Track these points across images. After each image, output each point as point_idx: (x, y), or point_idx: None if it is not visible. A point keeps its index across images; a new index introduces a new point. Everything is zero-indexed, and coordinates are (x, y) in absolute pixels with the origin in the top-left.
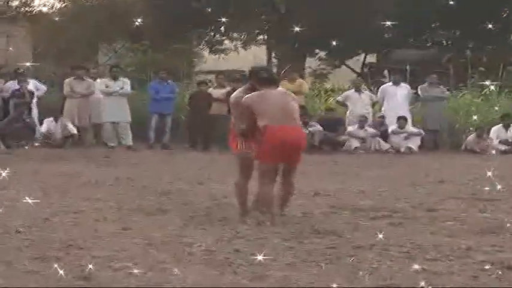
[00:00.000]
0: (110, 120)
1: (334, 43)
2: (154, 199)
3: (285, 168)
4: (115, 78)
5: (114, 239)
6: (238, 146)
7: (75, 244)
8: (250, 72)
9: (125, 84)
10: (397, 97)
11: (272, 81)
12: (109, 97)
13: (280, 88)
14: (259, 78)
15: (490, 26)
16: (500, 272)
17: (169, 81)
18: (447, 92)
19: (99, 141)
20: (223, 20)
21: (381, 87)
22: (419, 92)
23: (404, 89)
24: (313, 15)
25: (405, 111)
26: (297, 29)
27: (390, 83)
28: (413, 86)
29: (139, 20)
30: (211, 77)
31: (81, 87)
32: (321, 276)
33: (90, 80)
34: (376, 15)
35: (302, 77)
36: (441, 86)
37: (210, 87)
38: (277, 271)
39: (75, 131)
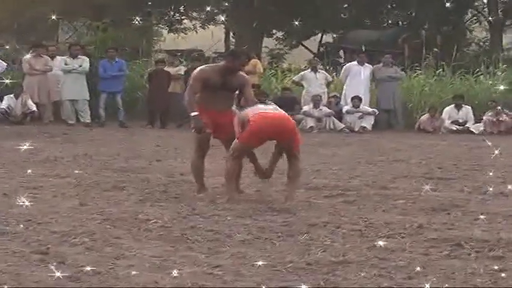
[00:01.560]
0: (69, 97)
1: (291, 23)
2: (112, 176)
3: (285, 149)
4: (74, 56)
5: (72, 214)
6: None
7: (34, 219)
8: (229, 53)
9: (83, 62)
10: (360, 76)
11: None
12: (68, 75)
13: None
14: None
15: (447, 4)
16: (450, 249)
17: (117, 59)
18: (401, 72)
19: (58, 118)
20: None
21: (345, 66)
22: (373, 73)
23: (367, 69)
24: None
25: (366, 91)
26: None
27: (355, 62)
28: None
29: None
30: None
31: (39, 64)
32: (275, 252)
33: (47, 57)
34: None
35: (259, 56)
36: (395, 67)
37: (176, 65)
38: (232, 247)
39: (34, 108)
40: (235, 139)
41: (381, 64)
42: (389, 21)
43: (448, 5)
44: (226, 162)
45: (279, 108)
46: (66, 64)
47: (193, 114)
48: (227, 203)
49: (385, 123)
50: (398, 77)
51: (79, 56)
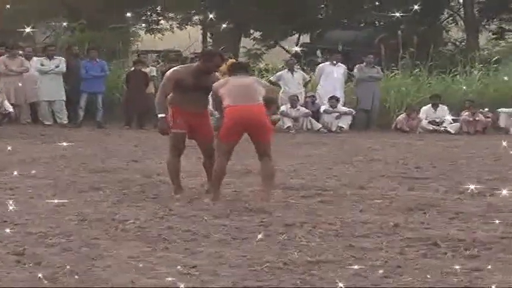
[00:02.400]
0: (46, 98)
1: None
2: (89, 176)
3: (256, 149)
4: (50, 57)
5: (49, 215)
6: (170, 124)
7: (10, 220)
8: (202, 53)
9: (60, 62)
10: (334, 76)
11: (241, 68)
12: (44, 76)
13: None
14: (233, 68)
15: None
16: (426, 248)
17: (98, 60)
18: (381, 73)
19: (36, 119)
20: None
21: (318, 66)
22: (355, 72)
23: (341, 68)
24: None
25: (340, 91)
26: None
27: (328, 62)
28: (347, 66)
29: None
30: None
31: (15, 65)
32: (251, 252)
33: (23, 58)
34: None
35: (237, 56)
36: (377, 67)
37: (147, 66)
38: (208, 247)
39: (11, 109)
40: (216, 138)
41: (364, 64)
42: (366, 21)
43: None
44: (215, 163)
45: (258, 80)
46: (42, 65)
47: (160, 115)
48: (212, 201)
49: (364, 123)
50: (379, 77)
51: (55, 57)
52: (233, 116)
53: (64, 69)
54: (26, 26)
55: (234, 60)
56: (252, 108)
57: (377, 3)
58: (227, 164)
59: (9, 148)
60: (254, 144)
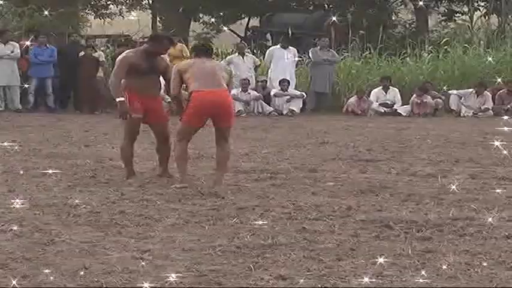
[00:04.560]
0: (1, 84)
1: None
2: (40, 162)
3: (216, 133)
4: (5, 42)
5: (0, 201)
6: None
7: None
8: (150, 36)
9: (14, 47)
10: (284, 60)
11: (206, 51)
12: None
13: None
14: (197, 50)
15: None
16: (379, 230)
17: (48, 45)
18: (337, 56)
19: None
20: None
21: (268, 50)
22: (310, 55)
23: (291, 51)
24: None
25: (291, 74)
26: None
27: (278, 46)
28: (297, 49)
29: None
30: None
31: None
32: (204, 236)
33: None
34: None
35: (186, 41)
36: (332, 50)
37: (95, 51)
38: (161, 232)
39: None
40: (179, 121)
41: (318, 47)
42: (316, 4)
43: None
44: (174, 146)
45: (220, 65)
46: None
47: (118, 99)
48: (180, 186)
49: (317, 106)
50: (335, 60)
51: (10, 42)
52: (201, 100)
53: (19, 55)
54: None
55: (184, 45)
56: (220, 93)
57: None
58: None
59: None
60: (216, 129)
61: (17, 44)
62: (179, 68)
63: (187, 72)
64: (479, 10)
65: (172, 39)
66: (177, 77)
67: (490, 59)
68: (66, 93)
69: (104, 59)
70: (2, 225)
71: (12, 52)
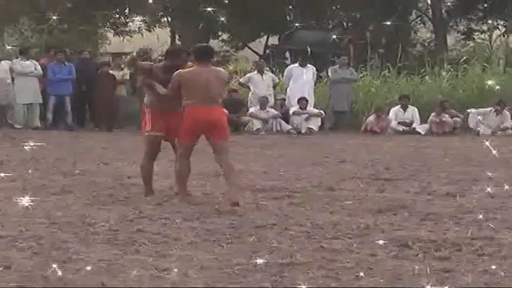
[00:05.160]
0: (24, 102)
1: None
2: (59, 179)
3: (213, 149)
4: (28, 59)
5: (19, 219)
6: (147, 127)
7: None
8: (167, 52)
9: (36, 65)
10: (303, 78)
11: (205, 55)
12: (21, 78)
13: (212, 67)
14: (195, 52)
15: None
16: (397, 250)
17: (66, 62)
18: (356, 74)
19: (5, 122)
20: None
21: (287, 68)
22: (329, 73)
23: (310, 70)
24: None
25: (310, 92)
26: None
27: (296, 64)
28: (316, 67)
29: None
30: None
31: None
32: (222, 255)
33: None
34: None
35: None
36: (350, 68)
37: (112, 68)
38: (179, 250)
39: None
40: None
41: (337, 65)
42: (334, 23)
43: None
44: (177, 163)
45: (217, 74)
46: (22, 67)
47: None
48: (181, 202)
49: (336, 125)
50: (354, 78)
51: (32, 60)
52: (194, 118)
53: (41, 72)
54: None
55: (198, 45)
56: (213, 111)
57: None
58: (189, 163)
59: None
60: (212, 144)
61: (37, 63)
62: (181, 77)
63: (185, 85)
64: (499, 29)
65: (189, 52)
66: (176, 85)
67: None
68: (85, 110)
69: (127, 78)
70: (21, 242)
71: (36, 69)
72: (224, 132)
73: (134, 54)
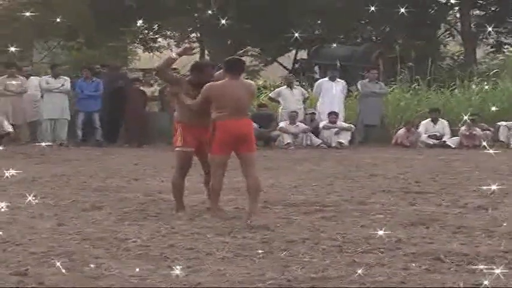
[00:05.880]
0: (50, 117)
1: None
2: (90, 195)
3: (241, 161)
4: (56, 76)
5: (51, 235)
6: (178, 142)
7: (12, 240)
8: (192, 67)
9: (65, 82)
10: (332, 92)
11: (237, 68)
12: (49, 94)
13: (242, 80)
14: (227, 65)
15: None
16: (429, 263)
17: (94, 79)
18: (386, 88)
19: (35, 138)
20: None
21: (317, 82)
22: (358, 88)
23: (339, 84)
24: (245, 12)
25: (340, 107)
26: (225, 22)
27: (326, 78)
28: (345, 81)
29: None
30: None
31: (14, 86)
32: (254, 270)
33: (23, 77)
34: (307, 12)
35: None
36: (380, 82)
37: (142, 84)
38: (211, 265)
39: (10, 129)
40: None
41: (367, 80)
42: (363, 37)
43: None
44: (205, 178)
45: (247, 87)
46: (47, 84)
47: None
48: (212, 218)
49: (366, 139)
50: (383, 92)
51: (61, 76)
52: (226, 129)
53: (69, 88)
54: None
55: (230, 58)
56: (243, 123)
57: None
58: (222, 178)
59: (9, 168)
60: (239, 155)
61: (68, 79)
62: (210, 91)
63: (216, 98)
64: None
65: (213, 64)
66: (204, 98)
67: None
68: (116, 126)
69: (157, 94)
70: (53, 259)
71: (62, 85)
72: (252, 145)
73: (173, 55)
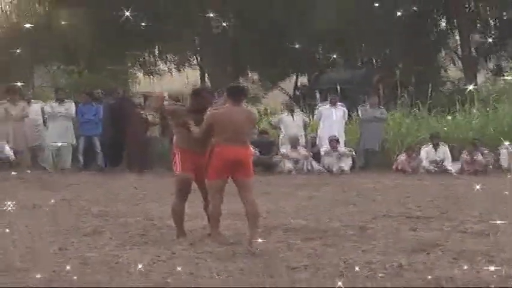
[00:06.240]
0: (54, 142)
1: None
2: (91, 220)
3: (237, 186)
4: (60, 101)
5: (52, 260)
6: (177, 168)
7: (14, 266)
8: (191, 93)
9: (69, 106)
10: (332, 118)
11: (239, 95)
12: (53, 120)
13: (243, 107)
14: (229, 91)
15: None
16: None
17: (93, 103)
18: (385, 113)
19: (36, 164)
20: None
21: (317, 109)
22: (359, 113)
23: (340, 110)
24: (245, 37)
25: (340, 132)
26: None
27: (327, 105)
28: (345, 105)
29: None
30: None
31: (15, 111)
32: None
33: (24, 103)
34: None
35: None
36: (381, 107)
37: (143, 109)
38: None
39: (11, 154)
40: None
41: (367, 105)
42: (363, 61)
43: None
44: (210, 204)
45: (248, 114)
46: (51, 109)
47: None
48: (213, 242)
49: (366, 164)
50: (384, 117)
51: (65, 101)
52: (222, 157)
53: (73, 113)
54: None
55: (232, 85)
56: (239, 151)
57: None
58: (222, 203)
59: (10, 193)
60: (235, 180)
61: (73, 103)
62: (213, 117)
63: (217, 123)
64: None
65: (212, 91)
66: (208, 127)
67: None
68: (118, 151)
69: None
70: (55, 284)
71: (66, 110)
72: (249, 170)
73: (163, 94)
